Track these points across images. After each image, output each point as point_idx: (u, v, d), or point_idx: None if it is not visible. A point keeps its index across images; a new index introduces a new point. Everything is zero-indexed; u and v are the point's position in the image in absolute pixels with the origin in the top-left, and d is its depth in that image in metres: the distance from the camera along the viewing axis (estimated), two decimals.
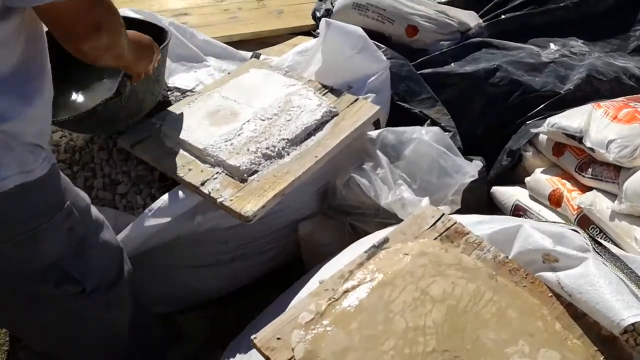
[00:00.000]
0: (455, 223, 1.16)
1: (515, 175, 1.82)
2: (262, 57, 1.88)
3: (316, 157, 1.30)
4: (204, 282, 1.51)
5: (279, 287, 1.36)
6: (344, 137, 1.35)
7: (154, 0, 2.28)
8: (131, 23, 1.37)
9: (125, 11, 1.64)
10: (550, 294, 1.04)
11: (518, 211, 1.68)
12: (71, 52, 0.90)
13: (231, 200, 1.21)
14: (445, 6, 2.05)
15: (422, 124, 1.77)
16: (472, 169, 1.44)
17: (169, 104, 1.53)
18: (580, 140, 1.53)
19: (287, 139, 1.33)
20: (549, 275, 1.04)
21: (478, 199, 1.75)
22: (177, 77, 1.67)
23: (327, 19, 1.52)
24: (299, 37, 2.11)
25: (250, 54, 1.88)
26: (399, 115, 1.77)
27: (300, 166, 1.28)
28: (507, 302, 0.99)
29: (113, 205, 1.36)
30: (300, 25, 2.12)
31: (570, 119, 1.58)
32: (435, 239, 1.12)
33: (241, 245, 1.46)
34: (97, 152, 1.44)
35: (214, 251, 1.47)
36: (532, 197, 1.68)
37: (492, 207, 1.80)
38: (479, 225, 1.19)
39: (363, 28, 2.02)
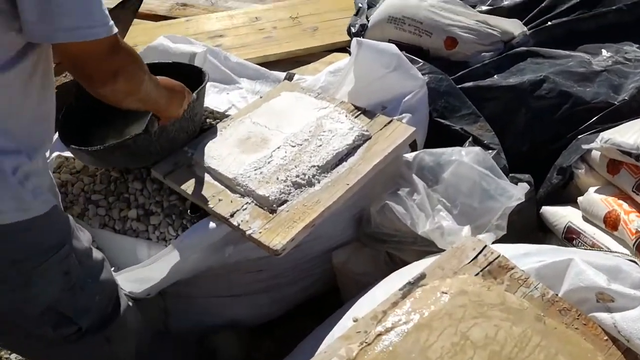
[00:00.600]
0: (499, 257, 1.08)
1: (566, 193, 1.70)
2: (295, 77, 1.84)
3: (348, 184, 1.25)
4: (237, 311, 1.49)
5: (314, 316, 1.32)
6: (377, 162, 1.29)
7: (190, 24, 2.29)
8: (167, 67, 1.42)
9: (160, 41, 1.64)
10: (605, 338, 0.94)
11: (571, 234, 1.56)
12: (91, 93, 0.89)
13: (260, 232, 1.17)
14: (486, 15, 1.95)
15: (463, 142, 1.69)
16: (518, 191, 1.35)
17: (202, 130, 1.51)
18: (637, 157, 1.40)
19: (318, 165, 1.28)
20: (603, 316, 0.95)
21: (526, 222, 1.65)
22: (209, 99, 1.66)
23: (359, 38, 1.47)
24: (334, 54, 2.06)
25: (283, 74, 1.85)
26: (438, 133, 1.69)
27: (330, 195, 1.23)
28: (556, 348, 0.91)
29: (146, 236, 1.36)
30: (335, 42, 2.08)
31: (626, 134, 1.46)
32: (477, 274, 1.05)
33: (275, 275, 1.42)
34: (131, 183, 1.44)
35: (247, 281, 1.44)
36: (585, 219, 1.56)
37: (542, 228, 1.69)
38: (524, 258, 1.11)
39: (400, 42, 1.98)
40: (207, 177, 1.34)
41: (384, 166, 1.31)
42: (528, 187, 1.37)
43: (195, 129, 1.45)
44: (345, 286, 1.44)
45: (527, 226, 1.69)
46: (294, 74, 1.86)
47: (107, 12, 0.83)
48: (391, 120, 1.41)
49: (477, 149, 1.40)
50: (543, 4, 2.07)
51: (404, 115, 1.46)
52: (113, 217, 1.41)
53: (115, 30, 0.84)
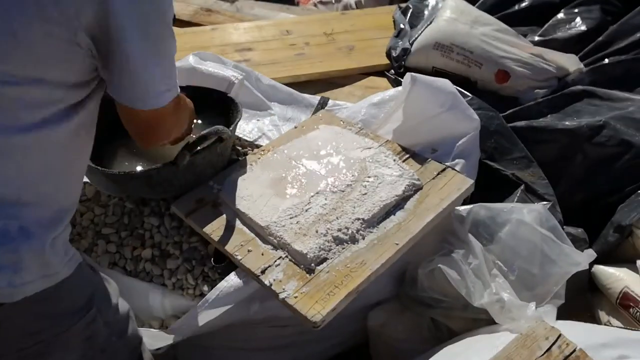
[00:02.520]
0: (576, 350, 0.92)
1: (620, 251, 1.54)
2: (330, 102, 1.69)
3: (397, 244, 1.09)
4: None
5: None
6: (430, 219, 1.13)
7: (216, 33, 2.14)
8: (199, 90, 1.35)
9: (190, 60, 1.49)
10: None
11: (627, 300, 1.40)
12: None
13: (296, 297, 1.02)
14: (542, 48, 1.80)
15: (513, 189, 1.54)
16: (583, 259, 1.19)
17: (229, 161, 1.36)
18: None
19: (363, 219, 1.13)
20: None
21: (577, 280, 1.48)
22: (239, 125, 1.50)
23: (413, 73, 1.31)
24: (371, 77, 1.90)
25: (317, 98, 1.70)
26: (485, 176, 1.53)
27: (378, 256, 1.07)
28: None
29: (161, 282, 1.20)
30: (373, 65, 1.91)
31: None
32: None
33: (301, 331, 1.26)
34: (147, 217, 1.28)
35: (270, 335, 1.29)
36: None
37: (592, 286, 1.53)
38: (603, 350, 0.95)
39: (446, 71, 1.83)
40: (235, 221, 1.18)
41: (436, 223, 1.15)
42: (595, 255, 1.21)
43: (223, 164, 1.30)
44: (379, 351, 1.28)
45: (577, 284, 1.52)
46: (328, 99, 1.71)
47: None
48: (445, 168, 1.25)
49: (540, 206, 1.24)
50: (600, 39, 1.92)
51: (457, 161, 1.30)
52: (125, 255, 1.25)
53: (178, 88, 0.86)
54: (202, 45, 2.03)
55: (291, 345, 1.31)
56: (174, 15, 0.83)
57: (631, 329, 1.19)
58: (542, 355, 0.91)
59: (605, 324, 1.46)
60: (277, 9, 2.56)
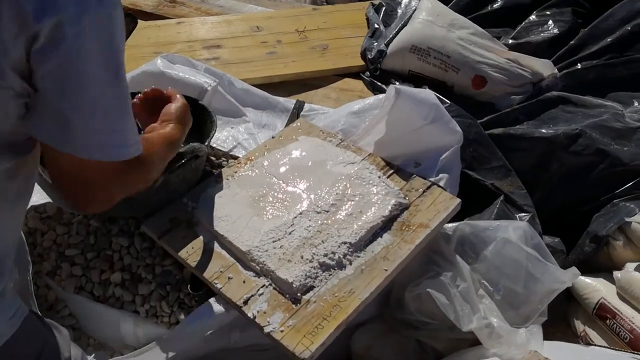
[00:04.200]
0: None
1: (596, 260, 1.56)
2: (306, 106, 1.62)
3: (386, 270, 1.05)
4: None
5: None
6: (419, 242, 1.09)
7: (182, 27, 2.02)
8: None
9: (158, 64, 1.39)
10: None
11: (604, 312, 1.42)
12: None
13: (282, 331, 0.96)
14: (517, 54, 1.78)
15: (492, 198, 1.52)
16: (568, 278, 1.19)
17: (205, 173, 1.28)
18: None
19: (350, 242, 1.08)
20: None
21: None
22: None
23: (397, 85, 1.27)
24: (346, 79, 1.84)
25: (292, 101, 1.63)
26: (465, 185, 1.50)
27: (366, 284, 1.03)
28: None
29: (133, 309, 1.12)
30: (348, 66, 1.85)
31: None
32: None
33: (282, 355, 1.21)
34: (115, 237, 1.19)
35: (250, 359, 1.23)
36: (621, 297, 1.42)
37: (568, 296, 1.54)
38: None
39: (422, 75, 1.79)
40: (213, 244, 1.11)
41: (424, 245, 1.12)
42: (579, 274, 1.21)
43: (197, 178, 1.22)
44: None
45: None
46: (304, 103, 1.64)
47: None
48: (431, 185, 1.21)
49: (525, 224, 1.23)
50: (572, 42, 1.93)
51: (441, 176, 1.27)
52: (92, 279, 1.17)
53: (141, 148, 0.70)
54: (167, 41, 1.92)
55: None
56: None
57: (615, 349, 1.20)
58: None
59: (580, 334, 1.47)
60: (245, 0, 2.45)
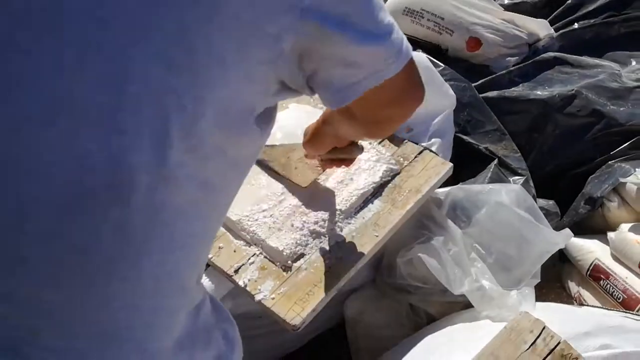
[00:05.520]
0: (560, 342, 0.91)
1: (591, 222, 1.56)
2: None
3: (377, 236, 1.05)
4: None
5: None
6: (410, 207, 1.09)
7: None
8: None
9: None
10: None
11: (598, 273, 1.43)
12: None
13: (273, 298, 0.97)
14: (513, 14, 1.74)
15: (485, 162, 1.51)
16: (561, 239, 1.18)
17: None
18: None
19: (340, 209, 1.07)
20: None
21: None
22: None
23: None
24: None
25: None
26: (458, 150, 1.49)
27: (357, 250, 1.02)
28: None
29: None
30: None
31: None
32: None
33: (276, 322, 1.22)
34: None
35: (244, 327, 1.23)
36: (615, 257, 1.43)
37: (562, 257, 1.55)
38: (586, 339, 0.95)
39: (415, 38, 1.75)
40: None
41: (416, 210, 1.11)
42: (572, 235, 1.20)
43: None
44: (358, 338, 1.26)
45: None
46: None
47: None
48: (422, 150, 1.20)
49: (518, 187, 1.22)
50: (569, 1, 1.88)
51: (433, 141, 1.25)
52: None
53: None
54: None
55: (266, 335, 1.27)
56: None
57: (607, 309, 1.21)
58: (528, 349, 0.90)
59: (574, 296, 1.48)
60: None
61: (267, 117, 0.57)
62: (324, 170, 1.09)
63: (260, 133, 0.56)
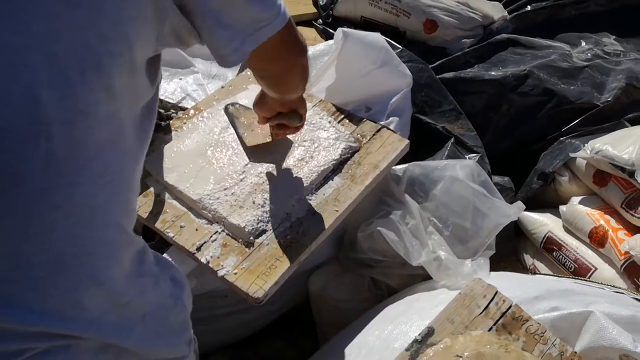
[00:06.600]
0: (512, 306, 0.96)
1: (543, 197, 1.62)
2: None
3: (337, 211, 1.07)
4: (199, 335, 1.30)
5: (285, 335, 1.26)
6: (369, 183, 1.12)
7: None
8: None
9: None
10: None
11: (551, 244, 1.49)
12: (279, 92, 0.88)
13: (235, 273, 0.98)
14: None
15: (443, 141, 1.55)
16: (513, 211, 1.23)
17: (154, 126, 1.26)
18: (630, 174, 1.33)
19: (301, 186, 1.09)
20: None
21: (505, 230, 1.56)
22: (160, 87, 1.39)
23: (345, 29, 1.25)
24: (298, 27, 1.80)
25: None
26: (416, 130, 1.53)
27: (318, 224, 1.05)
28: None
29: None
30: (300, 14, 1.83)
31: (618, 147, 1.38)
32: (490, 329, 0.92)
33: (242, 299, 1.24)
34: None
35: (211, 306, 1.25)
36: (567, 229, 1.50)
37: (517, 232, 1.61)
38: (536, 303, 1.00)
39: (374, 20, 1.78)
40: (164, 195, 1.11)
41: (374, 186, 1.14)
42: (524, 207, 1.26)
43: None
44: (322, 313, 1.29)
45: (503, 230, 1.60)
46: None
47: None
48: (380, 128, 1.23)
49: (472, 163, 1.26)
50: None
51: (391, 120, 1.28)
52: None
53: None
54: None
55: (233, 313, 1.29)
56: None
57: (558, 276, 1.27)
58: (481, 313, 0.94)
59: (529, 267, 1.55)
60: None
61: (153, 68, 0.63)
62: (273, 139, 1.14)
63: (148, 84, 0.62)
